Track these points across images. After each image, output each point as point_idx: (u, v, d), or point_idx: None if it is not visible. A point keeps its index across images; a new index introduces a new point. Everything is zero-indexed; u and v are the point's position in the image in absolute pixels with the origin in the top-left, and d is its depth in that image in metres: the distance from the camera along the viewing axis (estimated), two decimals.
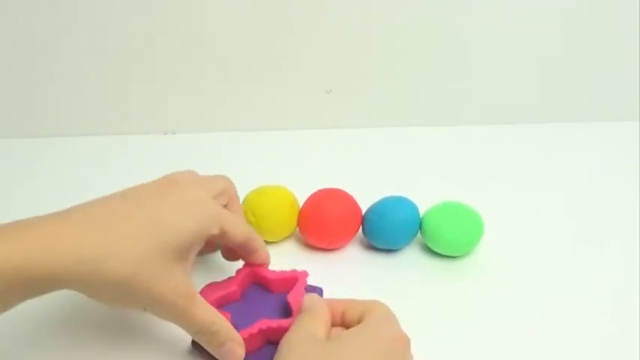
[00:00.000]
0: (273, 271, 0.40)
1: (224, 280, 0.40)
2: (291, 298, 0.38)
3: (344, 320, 0.36)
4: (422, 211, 0.48)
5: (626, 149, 0.64)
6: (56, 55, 0.63)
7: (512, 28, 0.65)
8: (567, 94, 0.69)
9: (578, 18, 0.65)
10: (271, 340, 0.37)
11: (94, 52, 0.63)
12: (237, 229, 0.37)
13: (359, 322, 0.34)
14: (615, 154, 0.64)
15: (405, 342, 0.33)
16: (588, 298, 0.44)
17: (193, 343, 0.38)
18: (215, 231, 0.35)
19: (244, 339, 0.36)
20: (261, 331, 0.36)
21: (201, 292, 0.39)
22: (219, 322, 0.35)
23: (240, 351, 0.35)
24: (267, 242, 0.43)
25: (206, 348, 0.36)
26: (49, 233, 0.30)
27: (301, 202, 0.49)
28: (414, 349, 0.34)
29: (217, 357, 0.36)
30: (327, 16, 0.63)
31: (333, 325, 0.35)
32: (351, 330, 0.33)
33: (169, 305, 0.33)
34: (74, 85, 0.65)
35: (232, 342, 0.35)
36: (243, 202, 0.47)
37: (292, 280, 0.40)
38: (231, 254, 0.42)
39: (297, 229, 0.49)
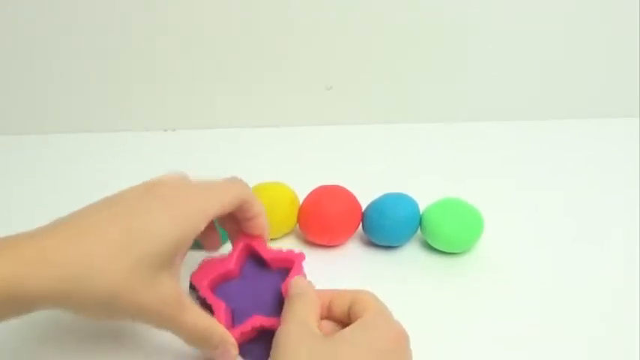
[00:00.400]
0: (270, 250, 0.40)
1: (221, 257, 0.40)
2: (285, 289, 0.37)
3: (331, 312, 0.35)
4: (422, 207, 0.48)
5: (626, 146, 0.64)
6: (56, 54, 0.63)
7: (512, 25, 0.65)
8: (567, 91, 0.69)
9: (578, 15, 0.65)
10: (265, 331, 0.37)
11: (93, 51, 0.63)
12: (229, 203, 0.36)
13: (349, 312, 0.34)
14: (615, 150, 0.64)
15: (404, 339, 0.33)
16: (587, 295, 0.44)
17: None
18: (201, 227, 0.34)
19: (236, 338, 0.35)
20: (254, 329, 0.36)
21: (198, 271, 0.38)
22: (212, 326, 0.34)
23: (234, 351, 0.35)
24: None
25: (199, 350, 0.35)
26: (37, 250, 0.29)
27: (301, 198, 0.49)
28: (413, 346, 0.33)
29: (210, 358, 0.36)
30: (327, 15, 0.63)
31: (321, 317, 0.35)
32: (348, 330, 0.32)
33: (157, 315, 0.32)
34: (74, 83, 0.65)
35: (226, 343, 0.35)
36: None
37: (289, 261, 0.39)
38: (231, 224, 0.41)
39: (297, 225, 0.49)
